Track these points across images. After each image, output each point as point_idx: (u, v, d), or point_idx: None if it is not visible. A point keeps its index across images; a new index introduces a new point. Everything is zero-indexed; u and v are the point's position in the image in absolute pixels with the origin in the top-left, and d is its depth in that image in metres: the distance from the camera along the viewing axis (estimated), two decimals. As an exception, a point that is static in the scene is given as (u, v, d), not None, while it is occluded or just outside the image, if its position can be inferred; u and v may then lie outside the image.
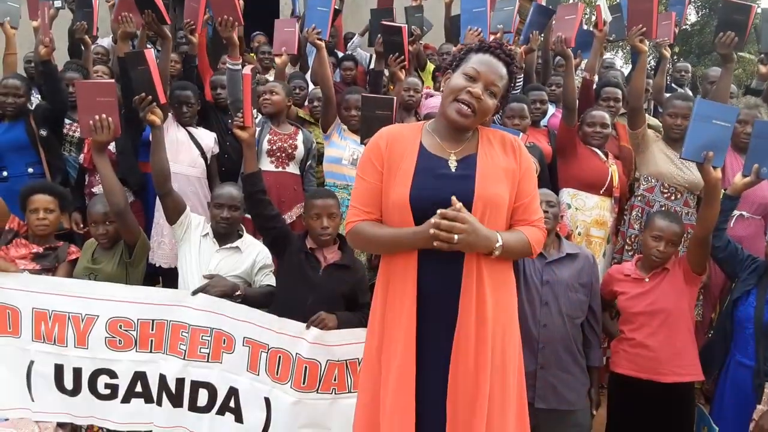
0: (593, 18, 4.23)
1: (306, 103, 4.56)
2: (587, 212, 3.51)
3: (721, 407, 2.74)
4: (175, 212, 2.90)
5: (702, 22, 25.28)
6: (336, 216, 2.78)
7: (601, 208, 3.51)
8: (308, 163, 3.81)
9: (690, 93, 5.89)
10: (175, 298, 2.74)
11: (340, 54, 6.08)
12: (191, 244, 2.92)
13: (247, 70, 2.65)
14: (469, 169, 1.86)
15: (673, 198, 3.36)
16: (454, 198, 1.73)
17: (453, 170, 1.86)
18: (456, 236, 1.69)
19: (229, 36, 3.51)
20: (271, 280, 2.93)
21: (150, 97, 2.75)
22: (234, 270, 2.89)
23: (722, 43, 3.32)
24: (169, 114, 3.69)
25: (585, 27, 5.08)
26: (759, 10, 3.35)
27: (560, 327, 2.74)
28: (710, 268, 2.99)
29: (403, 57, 3.55)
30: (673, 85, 5.72)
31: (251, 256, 2.94)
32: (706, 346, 2.90)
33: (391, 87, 4.55)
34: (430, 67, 5.28)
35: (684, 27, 4.92)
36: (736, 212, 3.15)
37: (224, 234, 2.92)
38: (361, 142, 2.93)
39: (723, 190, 2.69)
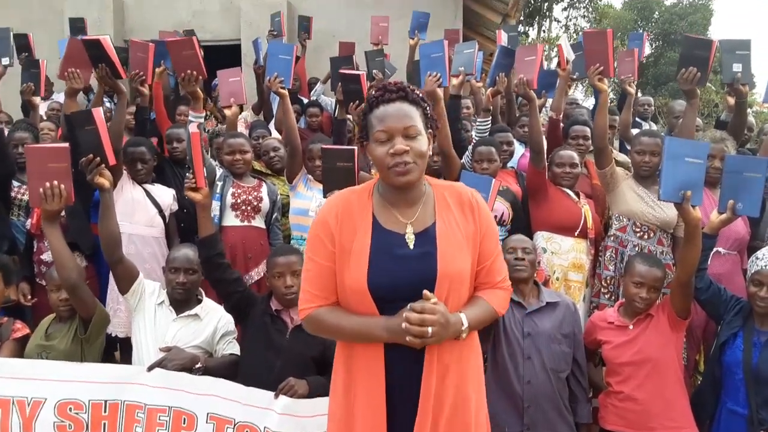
0: (555, 57, 4.22)
1: (261, 155, 4.41)
2: (563, 255, 3.41)
3: (716, 460, 2.61)
4: (126, 281, 2.71)
5: (656, 53, 26.23)
6: (300, 273, 2.62)
7: (577, 251, 3.42)
8: (274, 216, 3.66)
9: (654, 125, 5.96)
10: (129, 375, 2.54)
11: (305, 100, 6.00)
12: (145, 314, 2.72)
13: (194, 127, 2.50)
14: (429, 244, 1.69)
15: (646, 237, 3.28)
16: (426, 292, 1.60)
17: (411, 247, 1.69)
18: (429, 330, 1.56)
19: (193, 90, 3.40)
20: (235, 349, 2.74)
21: (98, 158, 2.58)
22: (193, 340, 2.69)
23: (685, 80, 3.31)
24: (124, 172, 3.52)
25: (547, 67, 5.10)
26: (718, 44, 3.34)
27: (545, 383, 2.60)
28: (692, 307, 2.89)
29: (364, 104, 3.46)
30: (637, 119, 5.76)
31: (212, 323, 2.75)
32: (696, 394, 2.78)
33: (356, 134, 4.46)
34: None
35: (641, 59, 4.98)
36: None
37: (181, 300, 2.73)
38: (324, 196, 2.79)
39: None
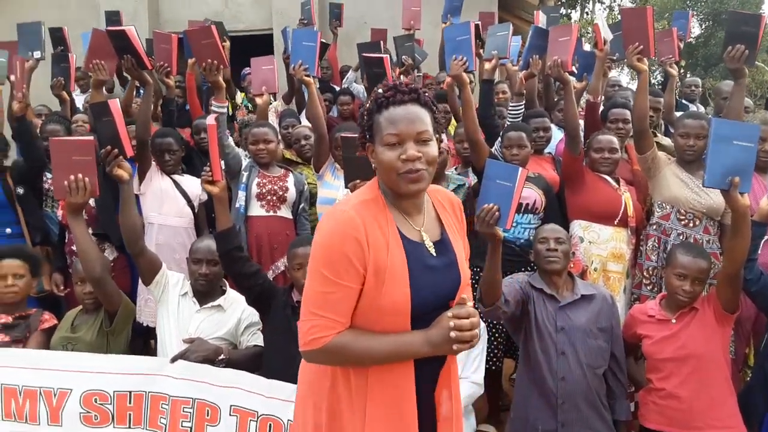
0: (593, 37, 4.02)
1: (293, 144, 4.36)
2: (602, 245, 3.24)
3: (767, 463, 2.44)
4: (149, 272, 2.69)
5: (706, 33, 25.18)
6: None
7: (617, 240, 3.24)
8: (300, 206, 3.61)
9: (702, 108, 5.66)
10: (154, 367, 2.52)
11: (337, 88, 5.92)
12: (169, 305, 2.70)
13: (211, 119, 2.43)
14: (448, 253, 1.63)
15: (691, 225, 3.08)
16: (464, 296, 1.55)
17: (435, 256, 1.60)
18: (477, 332, 1.52)
19: (215, 80, 3.36)
20: (259, 340, 2.69)
21: (116, 150, 2.56)
22: (217, 331, 2.66)
23: (732, 58, 3.08)
24: (153, 163, 3.52)
25: (587, 48, 4.87)
26: (768, 19, 3.10)
27: (580, 379, 2.48)
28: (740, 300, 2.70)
29: None
30: (683, 101, 5.48)
31: (236, 314, 2.71)
32: (744, 393, 2.60)
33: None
34: (428, 97, 5.09)
35: (688, 40, 4.71)
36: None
37: (204, 292, 2.70)
38: (346, 186, 2.70)
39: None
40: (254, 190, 3.43)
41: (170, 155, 3.49)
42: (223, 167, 2.62)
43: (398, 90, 1.54)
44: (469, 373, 2.71)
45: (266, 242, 3.40)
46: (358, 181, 2.64)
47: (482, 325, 2.77)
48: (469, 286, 1.68)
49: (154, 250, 3.38)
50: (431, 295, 1.56)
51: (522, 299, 2.58)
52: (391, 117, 1.52)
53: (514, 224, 3.20)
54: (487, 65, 3.57)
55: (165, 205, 3.45)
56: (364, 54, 3.52)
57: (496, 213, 2.21)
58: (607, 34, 3.80)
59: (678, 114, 4.77)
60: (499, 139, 3.50)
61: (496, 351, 3.21)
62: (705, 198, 3.04)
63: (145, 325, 3.38)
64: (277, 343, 2.52)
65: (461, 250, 1.67)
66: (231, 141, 3.67)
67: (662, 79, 4.62)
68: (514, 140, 3.25)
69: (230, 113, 5.67)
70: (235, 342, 2.72)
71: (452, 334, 1.48)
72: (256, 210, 3.44)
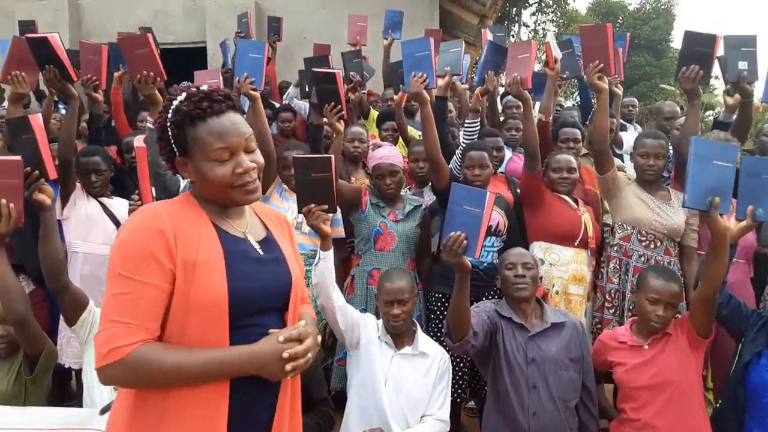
0: (544, 57, 3.99)
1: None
2: (563, 267, 3.14)
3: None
4: (74, 311, 2.35)
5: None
6: None
7: (577, 262, 3.16)
8: (246, 230, 3.32)
9: (639, 128, 5.80)
10: (80, 420, 2.18)
11: (276, 104, 5.67)
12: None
13: (140, 140, 2.14)
14: (275, 251, 1.52)
15: (652, 246, 3.04)
16: (301, 322, 1.47)
17: (260, 253, 1.47)
18: (310, 356, 1.40)
19: (150, 94, 3.04)
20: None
21: (37, 171, 2.23)
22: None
23: (686, 78, 3.08)
24: (77, 185, 3.16)
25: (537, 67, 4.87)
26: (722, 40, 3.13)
27: (553, 414, 2.35)
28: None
29: (340, 106, 3.14)
30: (621, 121, 5.58)
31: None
32: (715, 418, 2.53)
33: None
34: (374, 114, 4.94)
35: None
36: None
37: None
38: (299, 211, 2.46)
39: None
40: (194, 214, 3.13)
41: (97, 176, 3.15)
42: (154, 193, 2.33)
43: (213, 99, 1.40)
44: (434, 410, 2.52)
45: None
46: (313, 205, 2.41)
47: (446, 356, 2.60)
48: (303, 288, 1.58)
49: (79, 283, 3.02)
50: (256, 287, 1.41)
51: (490, 330, 2.43)
52: (214, 130, 1.39)
53: (478, 247, 3.06)
54: (441, 82, 3.45)
55: (91, 231, 3.11)
56: (314, 69, 3.29)
57: (464, 241, 2.07)
58: (557, 53, 3.77)
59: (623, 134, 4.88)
60: (456, 158, 3.37)
61: (460, 382, 3.04)
62: (666, 219, 3.01)
63: (66, 367, 3.04)
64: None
65: (291, 252, 1.57)
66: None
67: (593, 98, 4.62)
68: (477, 160, 3.12)
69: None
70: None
71: (285, 353, 1.33)
72: (197, 236, 3.14)
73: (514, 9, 24.86)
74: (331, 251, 2.49)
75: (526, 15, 26.09)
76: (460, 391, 3.02)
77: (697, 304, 2.40)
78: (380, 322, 2.63)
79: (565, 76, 4.11)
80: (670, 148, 3.44)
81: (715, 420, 2.51)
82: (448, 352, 2.61)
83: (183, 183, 3.29)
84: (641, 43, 27.34)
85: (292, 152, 3.30)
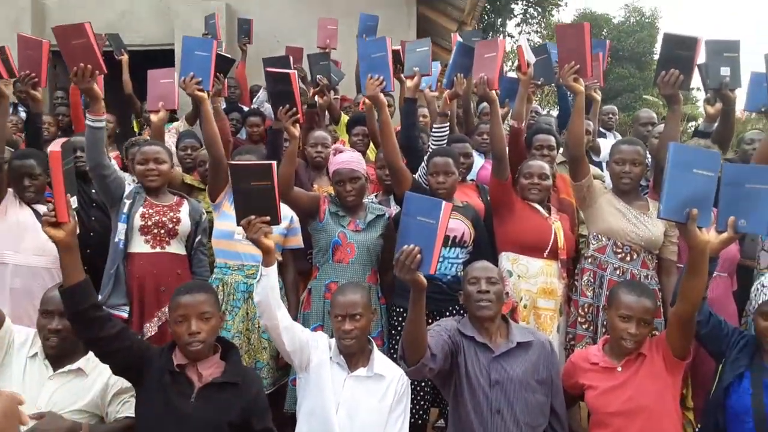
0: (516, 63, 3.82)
1: (198, 167, 3.86)
2: (531, 280, 2.95)
3: None
4: None
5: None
6: (211, 316, 2.09)
7: (547, 274, 2.97)
8: (197, 239, 3.09)
9: (619, 136, 5.65)
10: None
11: (246, 109, 5.45)
12: (13, 370, 2.12)
13: (55, 145, 1.88)
14: None
15: (628, 259, 2.86)
16: None
17: None
18: None
19: (88, 88, 2.81)
20: (131, 410, 2.16)
21: None
22: (75, 402, 2.11)
23: (666, 83, 2.89)
24: (9, 191, 2.92)
25: (508, 72, 4.70)
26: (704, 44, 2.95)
27: (519, 441, 2.13)
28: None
29: (295, 109, 2.91)
30: (600, 129, 5.43)
31: (101, 379, 2.16)
32: (694, 443, 2.35)
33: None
34: (344, 118, 4.73)
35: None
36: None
37: (58, 354, 2.14)
38: (238, 223, 2.23)
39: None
40: (137, 222, 2.89)
41: (31, 180, 2.91)
42: (74, 204, 2.09)
43: None
44: (390, 436, 2.30)
45: (151, 284, 2.86)
46: (253, 217, 2.19)
47: (405, 378, 2.38)
48: None
49: (8, 298, 2.78)
50: None
51: (451, 350, 2.22)
52: None
53: (441, 259, 2.85)
54: (409, 83, 3.23)
55: (23, 240, 2.87)
56: (267, 69, 3.06)
57: (418, 255, 1.87)
58: (530, 57, 3.59)
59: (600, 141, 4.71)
60: (423, 164, 3.17)
61: (422, 402, 2.81)
62: (643, 230, 2.82)
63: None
64: (151, 418, 2.01)
65: None
66: (113, 163, 3.13)
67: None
68: (441, 166, 2.91)
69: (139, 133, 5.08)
70: (101, 414, 2.17)
71: None
72: (139, 246, 2.89)
73: (499, 20, 24.91)
74: (275, 267, 2.26)
75: (511, 26, 26.18)
76: (422, 412, 2.80)
77: (675, 323, 2.20)
78: (334, 341, 2.41)
79: (539, 82, 3.94)
80: (649, 155, 3.28)
81: (693, 446, 2.33)
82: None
83: (128, 187, 3.06)
84: (625, 55, 27.44)
85: (245, 155, 3.09)
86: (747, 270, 3.09)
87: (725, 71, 3.01)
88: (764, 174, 2.09)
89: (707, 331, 2.25)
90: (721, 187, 2.12)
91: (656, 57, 3.00)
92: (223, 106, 4.69)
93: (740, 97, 3.28)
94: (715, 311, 2.38)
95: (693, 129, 4.42)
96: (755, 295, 2.23)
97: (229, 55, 4.61)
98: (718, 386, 2.24)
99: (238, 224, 2.19)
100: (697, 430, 2.45)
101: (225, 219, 3.01)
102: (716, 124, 3.28)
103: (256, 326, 2.87)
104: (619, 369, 2.27)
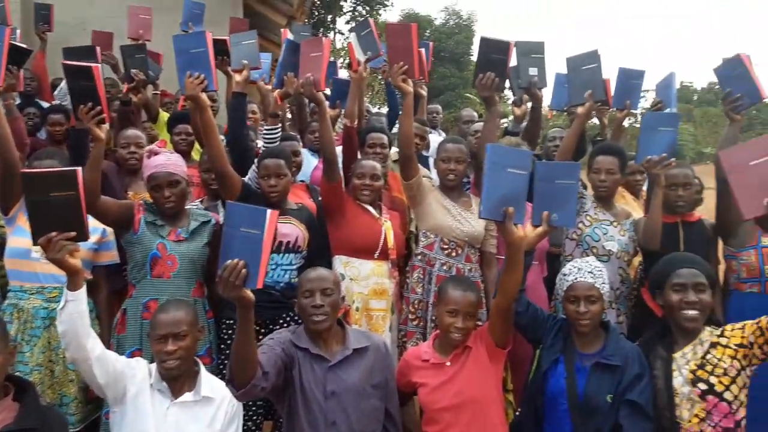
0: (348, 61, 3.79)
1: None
2: (363, 282, 2.95)
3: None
4: None
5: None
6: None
7: (378, 275, 2.99)
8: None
9: (444, 134, 5.92)
10: None
11: (45, 105, 4.80)
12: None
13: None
14: None
15: (454, 254, 2.98)
16: None
17: None
18: None
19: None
20: None
21: None
22: None
23: (483, 86, 3.05)
24: None
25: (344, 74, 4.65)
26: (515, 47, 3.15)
27: (353, 450, 2.10)
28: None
29: (99, 107, 2.57)
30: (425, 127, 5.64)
31: None
32: (514, 427, 2.48)
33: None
34: (164, 116, 4.36)
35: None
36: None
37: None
38: (35, 243, 1.91)
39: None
40: None
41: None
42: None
43: None
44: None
45: None
46: (54, 234, 1.89)
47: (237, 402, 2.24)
48: None
49: None
50: None
51: (285, 364, 2.12)
52: None
53: (274, 266, 2.73)
54: (238, 77, 3.02)
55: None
56: (64, 62, 2.67)
57: (243, 270, 1.75)
58: (360, 55, 3.59)
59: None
60: (254, 167, 3.00)
61: (254, 417, 2.68)
62: (466, 225, 2.96)
63: None
64: None
65: None
66: None
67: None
68: (272, 169, 2.76)
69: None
70: None
71: None
72: None
73: (330, 16, 25.08)
74: (83, 290, 1.99)
75: (341, 23, 26.53)
76: (254, 427, 2.66)
77: (496, 315, 2.33)
78: (154, 366, 2.19)
79: (367, 56, 3.90)
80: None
81: (514, 429, 2.47)
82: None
83: None
84: (446, 56, 29.25)
85: (46, 161, 2.70)
86: (556, 256, 3.37)
87: (533, 71, 3.24)
88: (570, 170, 2.28)
89: (526, 321, 2.40)
90: (535, 183, 2.25)
91: (473, 58, 3.17)
92: (18, 101, 4.11)
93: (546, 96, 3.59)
94: (528, 296, 2.55)
95: (504, 127, 4.75)
96: (560, 283, 2.41)
97: (24, 45, 4.01)
98: (536, 372, 2.40)
99: (35, 243, 1.88)
100: (517, 412, 2.60)
101: (20, 235, 2.60)
102: (525, 123, 3.54)
103: (61, 356, 2.52)
104: (448, 363, 2.34)
